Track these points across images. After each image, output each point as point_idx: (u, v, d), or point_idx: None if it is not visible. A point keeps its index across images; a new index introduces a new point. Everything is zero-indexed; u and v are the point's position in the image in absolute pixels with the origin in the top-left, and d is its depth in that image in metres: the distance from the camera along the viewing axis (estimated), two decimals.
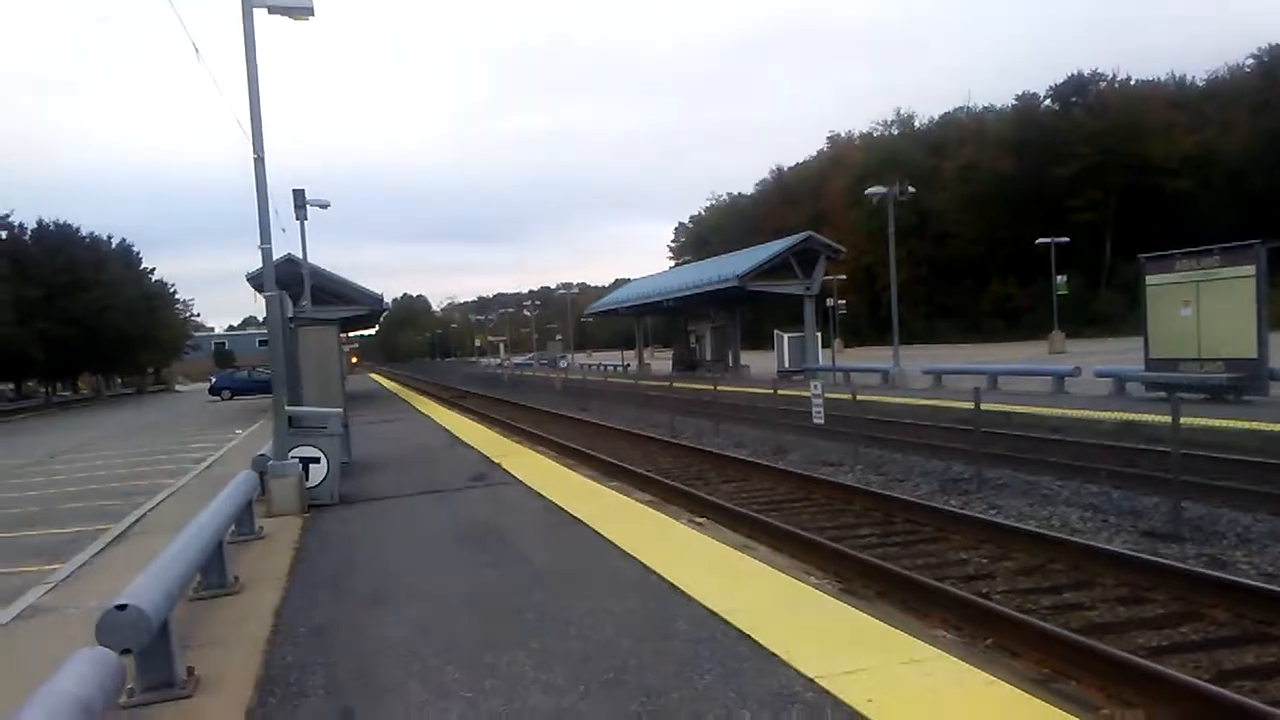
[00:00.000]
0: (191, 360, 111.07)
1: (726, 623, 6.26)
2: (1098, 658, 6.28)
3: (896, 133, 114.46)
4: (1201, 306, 20.34)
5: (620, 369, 65.11)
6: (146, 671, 5.59)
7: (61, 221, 68.28)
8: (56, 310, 61.26)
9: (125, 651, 4.96)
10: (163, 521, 12.29)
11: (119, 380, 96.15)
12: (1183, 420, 10.81)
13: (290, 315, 15.93)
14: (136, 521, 12.71)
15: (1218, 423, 14.98)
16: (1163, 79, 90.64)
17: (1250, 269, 19.41)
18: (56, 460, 24.25)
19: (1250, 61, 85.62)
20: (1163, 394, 20.21)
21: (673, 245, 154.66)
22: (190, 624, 7.06)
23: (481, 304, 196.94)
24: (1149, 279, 21.81)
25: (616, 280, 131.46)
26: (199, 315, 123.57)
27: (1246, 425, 15.20)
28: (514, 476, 14.34)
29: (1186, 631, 7.23)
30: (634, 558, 8.32)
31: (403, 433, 24.18)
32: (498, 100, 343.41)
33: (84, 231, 70.15)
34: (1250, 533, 10.00)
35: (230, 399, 56.11)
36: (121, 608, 5.04)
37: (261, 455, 12.72)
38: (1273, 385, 19.85)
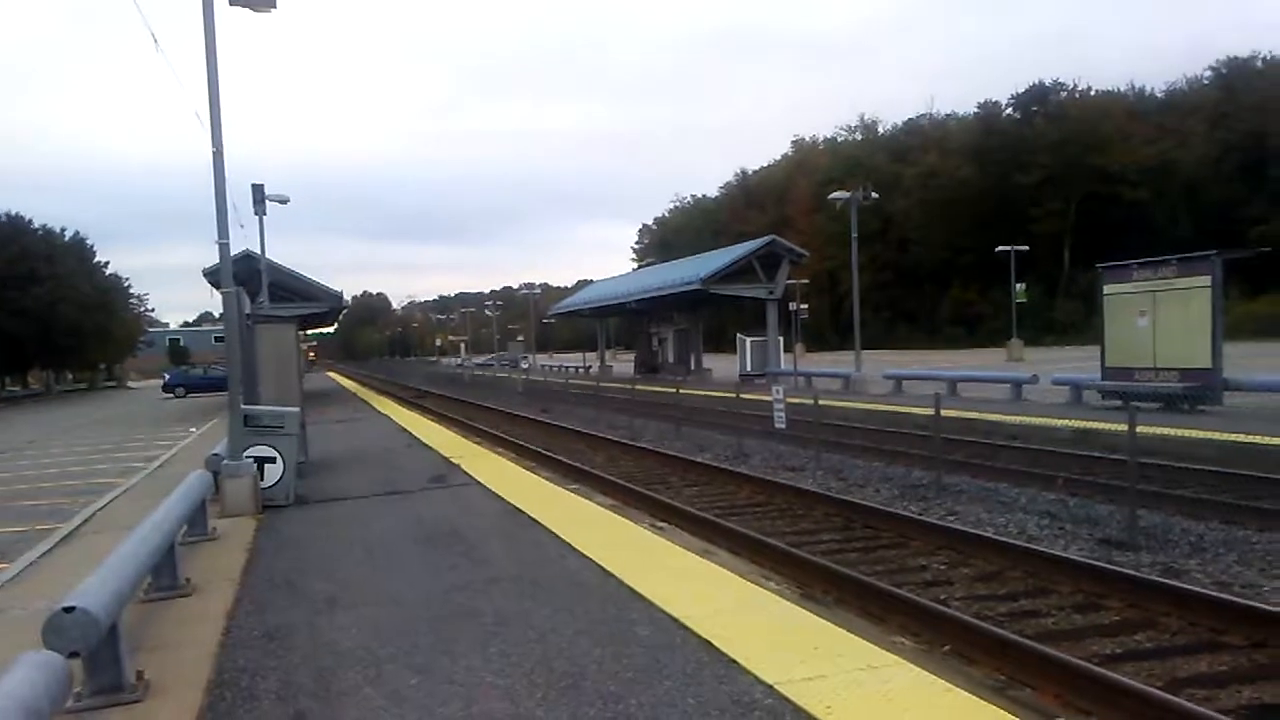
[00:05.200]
0: (145, 356, 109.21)
1: (686, 628, 6.23)
2: (1053, 664, 6.31)
3: (860, 138, 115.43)
4: (1158, 316, 20.64)
5: (582, 371, 64.96)
6: (95, 675, 5.46)
7: (13, 213, 67.13)
8: (6, 302, 60.15)
9: (73, 655, 4.84)
10: (113, 521, 12.07)
11: (70, 376, 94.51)
12: (1138, 429, 10.93)
13: (248, 312, 15.69)
14: (86, 521, 12.46)
15: (1172, 432, 15.19)
16: (1122, 89, 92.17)
17: (1206, 280, 19.72)
18: (3, 457, 23.78)
19: (1208, 74, 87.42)
20: (1118, 402, 20.48)
21: (636, 247, 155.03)
22: (140, 626, 6.92)
23: (443, 303, 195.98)
24: (1106, 288, 22.12)
25: (579, 281, 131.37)
26: (153, 310, 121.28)
27: (1200, 435, 15.44)
28: (473, 478, 14.24)
29: (1141, 639, 7.29)
30: (594, 562, 8.27)
31: (361, 432, 23.95)
32: (460, 98, 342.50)
33: (36, 223, 69.01)
34: (1204, 541, 10.12)
35: (184, 396, 55.40)
36: (69, 610, 4.92)
37: (215, 454, 12.52)
38: (1226, 395, 20.16)
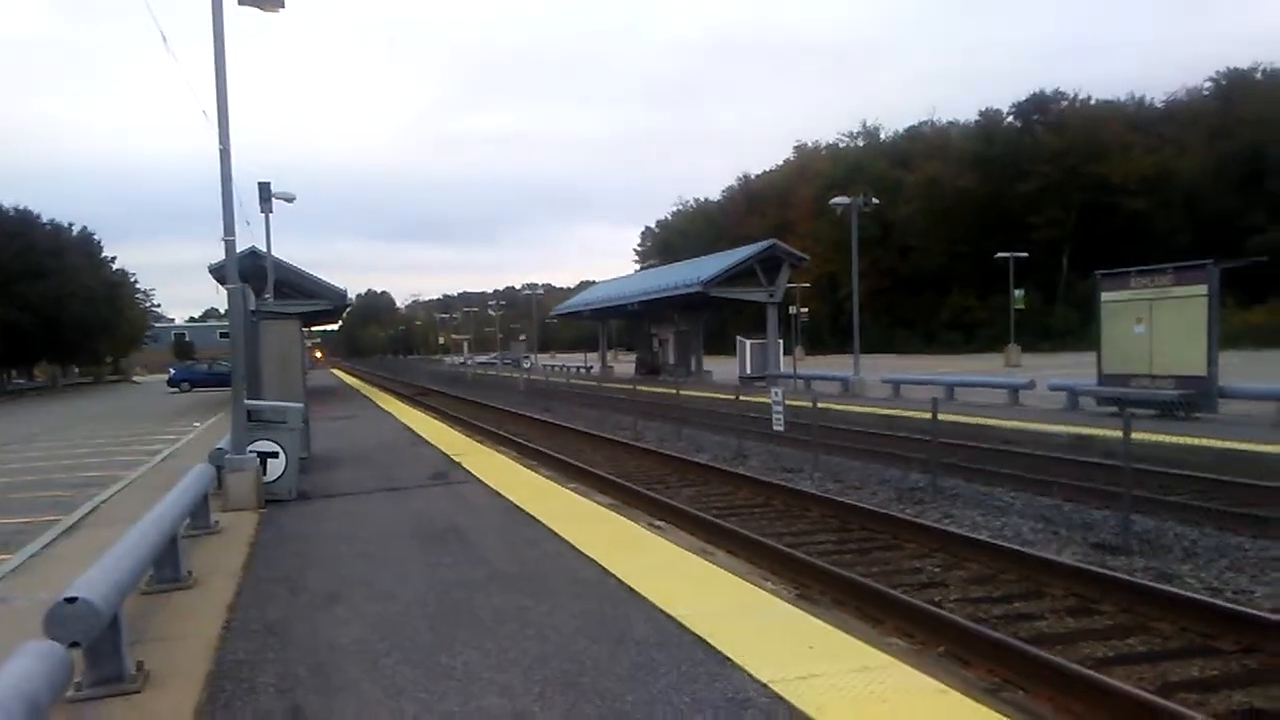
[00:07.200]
0: (150, 351, 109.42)
1: (682, 626, 6.28)
2: (1047, 667, 6.38)
3: (862, 144, 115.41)
4: (1154, 324, 20.70)
5: (584, 371, 65.02)
6: (95, 665, 5.51)
7: (21, 207, 67.20)
8: (13, 297, 60.17)
9: (74, 645, 4.88)
10: (116, 513, 12.12)
11: (76, 370, 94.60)
12: (1133, 435, 10.99)
13: (253, 308, 15.76)
14: (89, 513, 12.52)
15: (1167, 438, 15.26)
16: (1122, 99, 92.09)
17: (1203, 288, 19.78)
18: (8, 449, 23.84)
19: (1208, 85, 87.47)
20: (1114, 409, 20.53)
21: (639, 249, 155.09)
22: (141, 618, 6.98)
23: (446, 302, 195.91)
24: (1104, 295, 22.17)
25: (582, 282, 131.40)
26: (159, 306, 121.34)
27: (1195, 442, 15.50)
28: (474, 475, 14.30)
29: (1133, 643, 7.34)
30: (592, 560, 8.33)
31: (363, 429, 24.00)
32: (465, 100, 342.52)
33: (44, 218, 69.07)
34: (1197, 547, 10.18)
35: (189, 391, 55.50)
36: (71, 600, 4.96)
37: (219, 449, 12.58)
38: (1221, 403, 20.22)
